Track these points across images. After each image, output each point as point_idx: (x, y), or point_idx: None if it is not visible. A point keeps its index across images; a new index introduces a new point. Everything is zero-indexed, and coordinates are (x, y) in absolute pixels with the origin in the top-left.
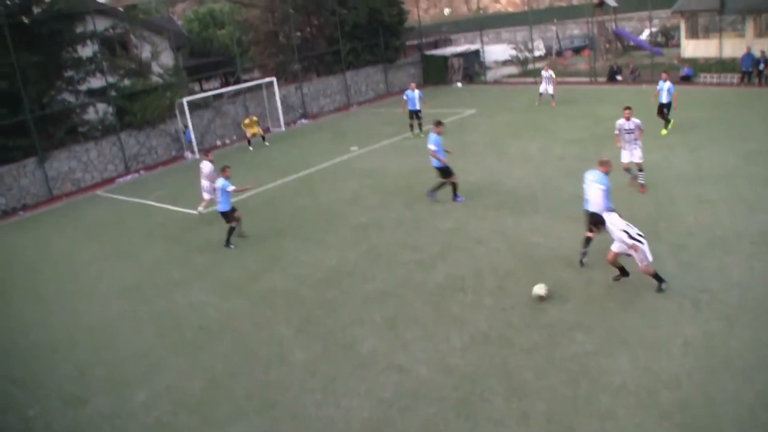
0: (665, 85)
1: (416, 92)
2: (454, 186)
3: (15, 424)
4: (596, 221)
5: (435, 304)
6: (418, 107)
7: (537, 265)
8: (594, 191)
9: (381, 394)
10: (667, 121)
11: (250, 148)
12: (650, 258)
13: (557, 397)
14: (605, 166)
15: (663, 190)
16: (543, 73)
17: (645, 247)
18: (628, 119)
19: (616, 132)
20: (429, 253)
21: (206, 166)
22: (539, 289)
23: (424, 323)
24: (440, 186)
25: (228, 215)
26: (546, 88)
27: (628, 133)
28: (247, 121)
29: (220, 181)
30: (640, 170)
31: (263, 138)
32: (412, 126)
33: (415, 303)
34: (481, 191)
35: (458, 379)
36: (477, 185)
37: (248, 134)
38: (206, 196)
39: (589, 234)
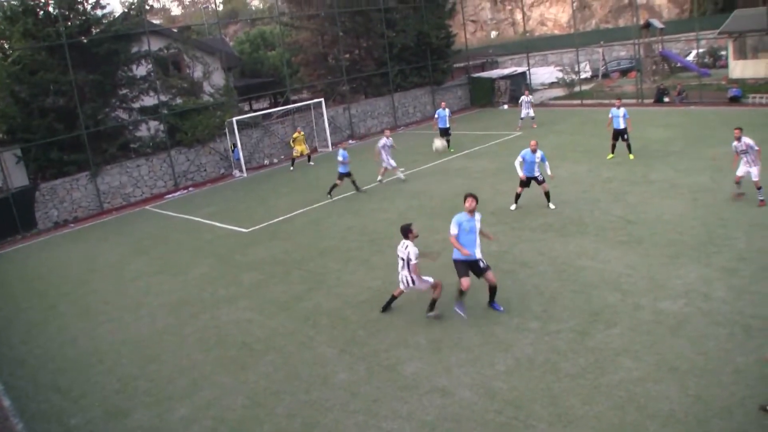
0: (620, 112)
1: (446, 111)
2: None
3: (58, 431)
4: None
5: (480, 327)
6: (448, 125)
7: (583, 289)
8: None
9: (423, 417)
10: (629, 147)
11: (291, 168)
12: None
13: (603, 425)
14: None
15: (712, 212)
16: (524, 98)
17: None
18: (738, 140)
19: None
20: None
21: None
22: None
23: (469, 346)
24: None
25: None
26: (527, 112)
27: (743, 153)
28: (295, 135)
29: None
30: (758, 188)
31: (309, 158)
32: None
33: (460, 326)
34: (527, 214)
35: (502, 404)
36: (523, 207)
37: (295, 152)
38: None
39: None
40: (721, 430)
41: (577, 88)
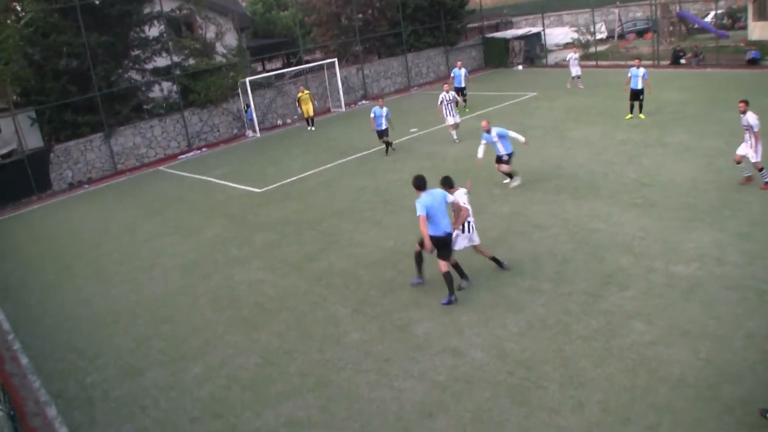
0: (639, 72)
1: (462, 70)
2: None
3: (74, 389)
4: None
5: (492, 289)
6: (463, 84)
7: (596, 251)
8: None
9: (435, 377)
10: (640, 107)
11: (310, 128)
12: None
13: (614, 387)
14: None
15: (726, 176)
16: (571, 54)
17: None
18: (743, 113)
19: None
20: (487, 237)
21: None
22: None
23: (481, 307)
24: None
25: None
26: (575, 70)
27: (746, 129)
28: (300, 94)
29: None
30: (760, 169)
31: (311, 121)
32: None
33: (472, 287)
34: (540, 176)
35: (513, 365)
36: (537, 169)
37: (303, 111)
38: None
39: None
40: (732, 395)
41: (592, 49)
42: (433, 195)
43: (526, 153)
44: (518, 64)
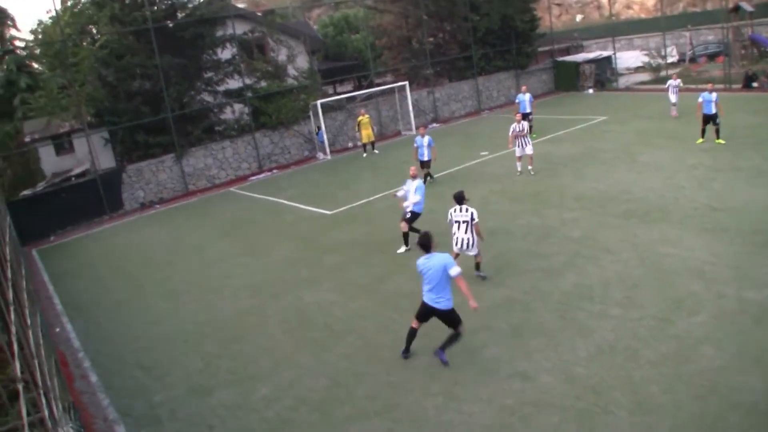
0: (712, 96)
1: (527, 95)
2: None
3: (142, 408)
4: None
5: (561, 313)
6: (529, 110)
7: (666, 276)
8: None
9: (503, 401)
10: (717, 132)
11: (364, 155)
12: None
13: (683, 414)
14: None
15: None
16: (671, 82)
17: None
18: None
19: None
20: (557, 261)
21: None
22: None
23: (550, 331)
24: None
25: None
26: (673, 98)
27: None
28: (360, 118)
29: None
30: None
31: (372, 145)
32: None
33: (541, 311)
34: (610, 200)
35: (582, 390)
36: (606, 193)
37: (362, 137)
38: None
39: None
40: None
41: (663, 73)
42: (430, 260)
43: (596, 177)
44: (589, 87)
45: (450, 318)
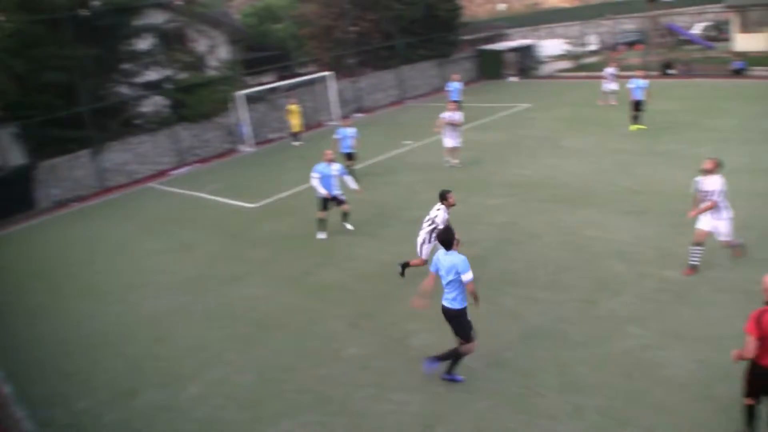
0: (642, 83)
1: (458, 84)
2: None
3: (64, 417)
4: None
5: (489, 298)
6: (460, 98)
7: (591, 259)
8: None
9: (434, 388)
10: (635, 119)
11: (296, 144)
12: None
13: (611, 391)
14: None
15: None
16: (607, 69)
17: None
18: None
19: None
20: (483, 247)
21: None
22: None
23: (478, 317)
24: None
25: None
26: (609, 86)
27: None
28: (290, 107)
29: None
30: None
31: (296, 135)
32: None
33: (469, 297)
34: (535, 186)
35: (511, 373)
36: (531, 179)
37: (293, 125)
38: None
39: None
40: (726, 394)
41: (584, 61)
42: (446, 258)
43: (521, 164)
44: (512, 75)
45: (456, 323)
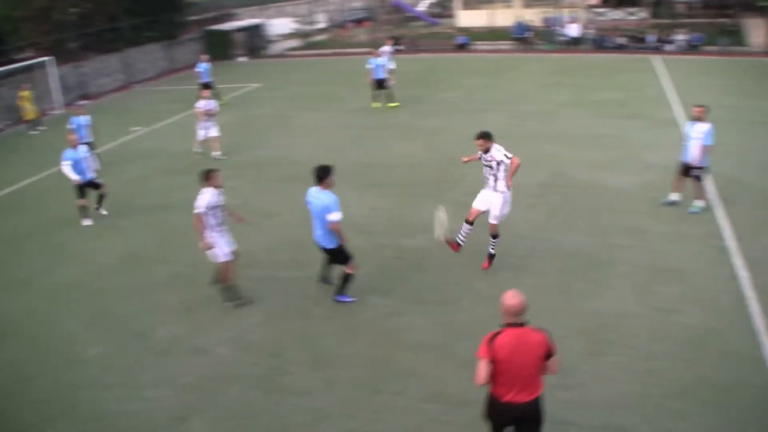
0: (381, 61)
1: (207, 64)
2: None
3: None
4: None
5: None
6: (209, 79)
7: None
8: None
9: (184, 380)
10: (389, 96)
11: (32, 132)
12: None
13: (360, 361)
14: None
15: (444, 152)
16: (384, 48)
17: None
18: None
19: None
20: None
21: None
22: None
23: (218, 303)
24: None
25: None
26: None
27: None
28: (22, 93)
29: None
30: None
31: (32, 122)
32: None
33: (206, 286)
34: (267, 165)
35: (259, 356)
36: (264, 159)
37: (28, 112)
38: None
39: None
40: (466, 351)
41: (313, 39)
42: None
43: (252, 144)
44: (241, 56)
45: (337, 256)
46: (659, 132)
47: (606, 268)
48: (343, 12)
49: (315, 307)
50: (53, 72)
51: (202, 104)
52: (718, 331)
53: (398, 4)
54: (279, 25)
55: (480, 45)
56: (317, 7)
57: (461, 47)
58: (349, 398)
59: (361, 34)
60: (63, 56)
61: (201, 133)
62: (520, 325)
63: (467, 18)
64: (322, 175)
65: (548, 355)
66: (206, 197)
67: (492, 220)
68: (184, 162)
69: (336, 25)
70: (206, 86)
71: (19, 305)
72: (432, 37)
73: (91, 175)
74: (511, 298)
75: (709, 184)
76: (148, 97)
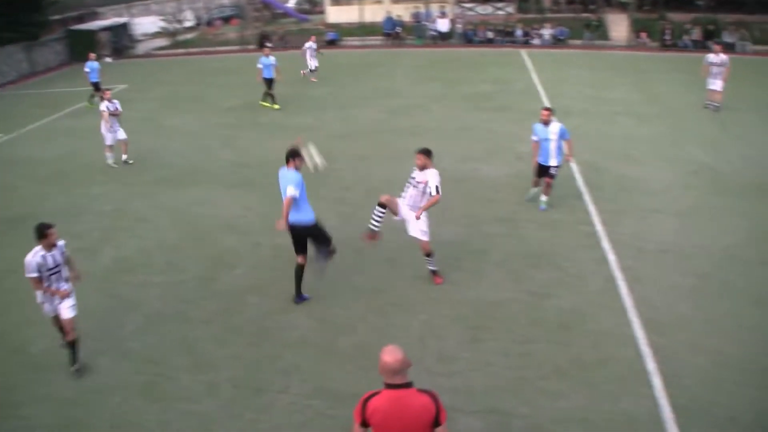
0: (270, 60)
1: (96, 63)
2: None
3: None
4: None
5: (105, 290)
6: (98, 79)
7: (203, 236)
8: None
9: (63, 394)
10: (272, 97)
11: None
12: None
13: (241, 362)
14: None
15: (318, 148)
16: (308, 44)
17: None
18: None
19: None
20: (91, 238)
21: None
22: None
23: (96, 311)
24: None
25: None
26: (313, 62)
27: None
28: None
29: None
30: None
31: None
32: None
33: (84, 291)
34: (140, 169)
35: (140, 363)
36: (136, 162)
37: None
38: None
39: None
40: (346, 344)
41: (181, 38)
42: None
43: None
44: (107, 56)
45: (314, 234)
46: (528, 123)
47: (481, 257)
48: (211, 10)
49: (194, 311)
50: None
51: (108, 106)
52: (589, 312)
53: (267, 0)
54: (145, 23)
55: (350, 41)
56: (184, 4)
57: (331, 43)
58: (231, 400)
59: (230, 31)
60: None
61: (109, 137)
62: (401, 386)
63: (337, 14)
64: (290, 155)
65: (436, 422)
66: (35, 258)
67: (422, 237)
68: (50, 169)
69: (204, 23)
70: (96, 86)
71: None
72: (302, 34)
73: None
74: (388, 354)
75: (575, 172)
76: (9, 102)
